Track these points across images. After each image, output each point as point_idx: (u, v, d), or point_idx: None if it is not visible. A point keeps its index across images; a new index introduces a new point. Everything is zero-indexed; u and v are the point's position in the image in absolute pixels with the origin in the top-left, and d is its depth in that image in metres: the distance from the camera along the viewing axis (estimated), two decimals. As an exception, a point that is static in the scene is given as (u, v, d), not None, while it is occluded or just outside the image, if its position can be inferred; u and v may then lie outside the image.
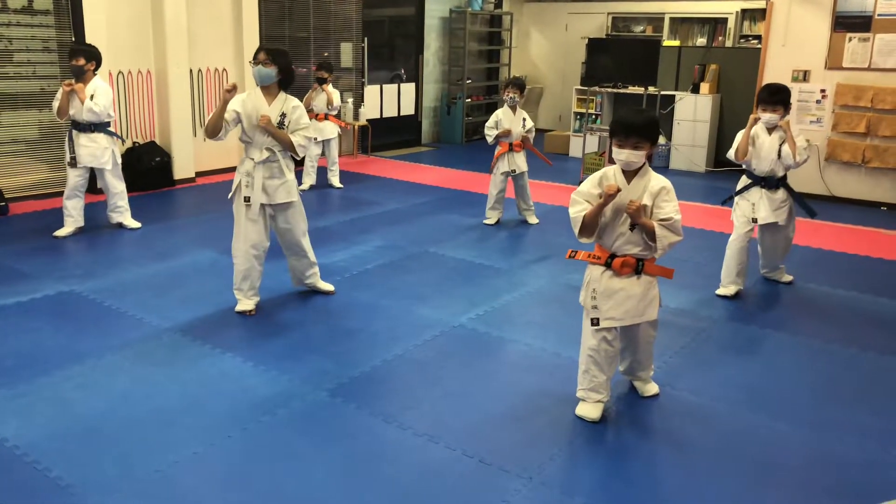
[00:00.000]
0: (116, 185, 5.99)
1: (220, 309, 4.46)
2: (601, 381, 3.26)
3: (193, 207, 7.15)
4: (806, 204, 4.92)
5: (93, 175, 6.14)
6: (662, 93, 9.15)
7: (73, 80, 5.63)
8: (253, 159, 4.25)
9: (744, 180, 4.89)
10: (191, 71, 7.94)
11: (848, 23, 7.53)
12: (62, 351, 3.86)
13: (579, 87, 10.40)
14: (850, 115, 7.62)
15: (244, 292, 4.39)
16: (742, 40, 10.61)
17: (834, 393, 3.65)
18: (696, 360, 3.96)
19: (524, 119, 6.39)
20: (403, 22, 10.99)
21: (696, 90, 9.50)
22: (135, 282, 4.91)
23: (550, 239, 6.13)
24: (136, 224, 6.13)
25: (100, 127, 5.78)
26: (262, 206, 4.31)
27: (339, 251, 5.64)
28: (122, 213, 6.08)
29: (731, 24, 10.74)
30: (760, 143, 4.71)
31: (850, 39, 7.55)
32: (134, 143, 7.56)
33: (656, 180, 3.15)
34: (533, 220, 6.68)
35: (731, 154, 4.81)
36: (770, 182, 4.76)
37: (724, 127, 9.56)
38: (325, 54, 9.41)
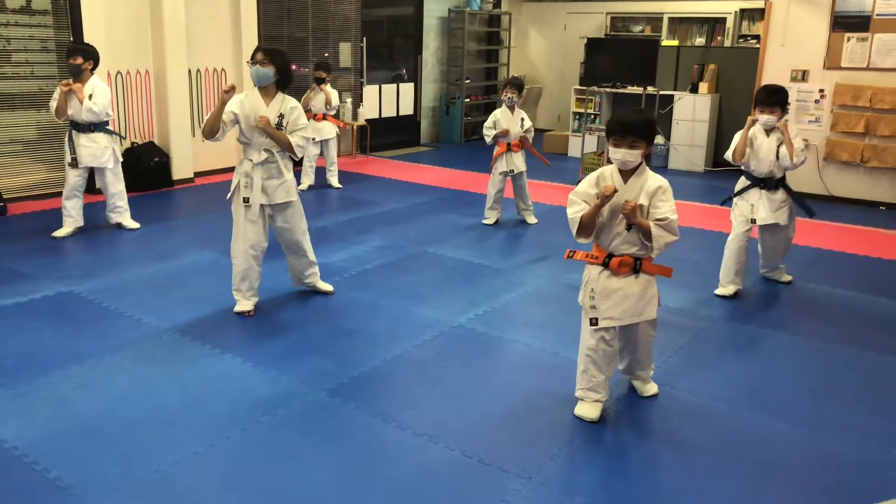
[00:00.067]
0: (116, 185, 5.99)
1: (219, 309, 4.45)
2: (600, 380, 3.26)
3: (192, 208, 7.15)
4: (805, 204, 4.92)
5: (91, 175, 6.15)
6: (661, 93, 9.15)
7: (70, 80, 5.63)
8: (251, 160, 4.25)
9: (742, 181, 4.90)
10: (189, 71, 7.94)
11: (846, 22, 7.54)
12: (61, 351, 3.85)
13: (578, 87, 10.40)
14: (849, 114, 7.63)
15: (243, 293, 4.39)
16: (741, 40, 10.62)
17: (833, 393, 3.66)
18: (696, 360, 3.96)
19: (522, 119, 6.39)
20: (402, 22, 10.99)
21: (694, 90, 9.51)
22: (134, 282, 4.91)
23: (549, 239, 6.13)
24: (135, 224, 6.13)
25: (99, 126, 5.78)
26: (262, 206, 4.31)
27: (338, 251, 5.64)
28: (121, 213, 6.08)
29: (729, 23, 10.75)
30: (759, 144, 4.71)
31: (848, 39, 7.56)
32: (132, 143, 7.55)
33: (653, 180, 3.15)
34: (532, 219, 6.68)
35: (728, 155, 4.81)
36: (769, 183, 4.77)
37: (723, 127, 9.56)
38: (326, 55, 9.41)
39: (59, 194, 6.06)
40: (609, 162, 3.19)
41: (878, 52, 7.44)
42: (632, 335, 3.37)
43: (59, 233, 5.84)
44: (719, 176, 9.08)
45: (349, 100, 9.67)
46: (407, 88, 10.92)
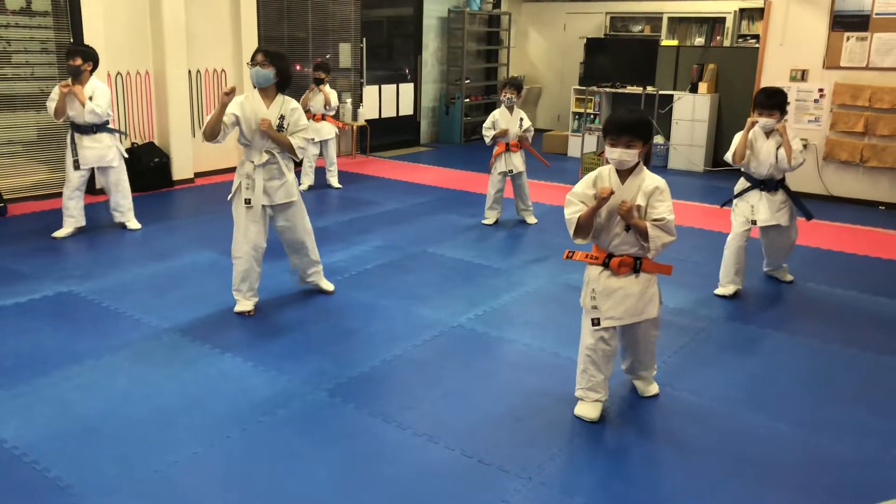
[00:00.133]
0: (121, 183, 6.00)
1: (219, 309, 4.46)
2: (599, 380, 3.27)
3: (192, 208, 7.15)
4: (803, 206, 4.92)
5: (91, 175, 6.15)
6: (661, 92, 9.16)
7: (69, 81, 5.63)
8: (252, 162, 4.26)
9: (742, 183, 4.90)
10: (189, 72, 7.94)
11: (846, 22, 7.54)
12: (61, 351, 3.86)
13: (578, 87, 10.40)
14: (848, 114, 7.63)
15: (243, 293, 4.39)
16: (740, 40, 10.62)
17: (833, 393, 3.66)
18: (696, 360, 3.96)
19: (521, 119, 6.39)
20: (402, 22, 10.99)
21: (694, 90, 9.51)
22: (134, 282, 4.91)
23: (549, 239, 6.13)
24: (137, 225, 6.14)
25: (101, 127, 5.79)
26: (263, 206, 4.31)
27: (338, 251, 5.64)
28: (123, 212, 6.09)
29: (729, 23, 10.75)
30: (759, 147, 4.71)
31: (847, 39, 7.56)
32: (133, 143, 7.55)
33: (651, 180, 3.15)
34: (531, 220, 6.69)
35: (728, 157, 4.81)
36: (769, 184, 4.77)
37: (723, 126, 9.56)
38: (327, 56, 9.41)
39: (59, 195, 6.06)
40: (608, 162, 3.19)
41: (878, 52, 7.44)
42: (634, 335, 3.37)
43: (59, 233, 5.85)
44: (719, 176, 9.08)
45: (349, 100, 9.67)
46: (407, 89, 10.92)
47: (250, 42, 8.31)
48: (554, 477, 2.88)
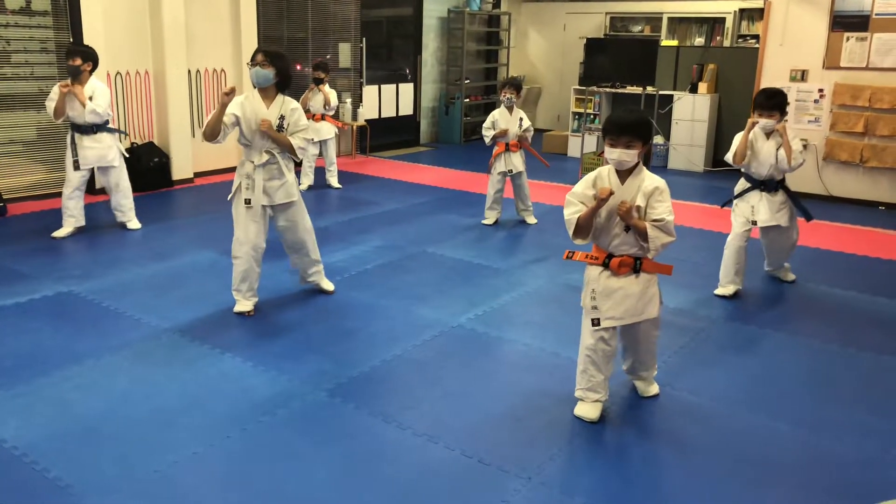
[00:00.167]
0: (122, 183, 6.01)
1: (219, 309, 4.46)
2: (599, 380, 3.27)
3: (192, 208, 7.15)
4: (803, 207, 4.92)
5: (91, 175, 6.15)
6: (660, 93, 9.16)
7: (69, 81, 5.63)
8: (253, 162, 4.26)
9: (742, 184, 4.90)
10: (189, 71, 7.94)
11: (846, 22, 7.54)
12: (61, 351, 3.85)
13: (577, 87, 10.40)
14: (848, 114, 7.63)
15: (243, 293, 4.39)
16: (740, 40, 10.62)
17: (833, 393, 3.66)
18: (696, 360, 3.96)
19: (521, 119, 6.39)
20: (402, 22, 10.99)
21: (694, 90, 9.51)
22: (134, 282, 4.91)
23: (549, 239, 6.13)
24: (137, 225, 6.14)
25: (101, 127, 5.79)
26: (263, 206, 4.32)
27: (337, 251, 5.64)
28: (125, 212, 6.10)
29: (728, 23, 10.75)
30: (759, 147, 4.72)
31: (847, 39, 7.56)
32: (132, 143, 7.55)
33: (650, 180, 3.14)
34: (531, 220, 6.69)
35: (729, 157, 4.81)
36: (769, 185, 4.77)
37: (723, 126, 9.56)
38: (328, 56, 9.41)
39: (59, 194, 6.04)
40: (607, 162, 3.19)
41: (878, 52, 7.44)
42: (635, 335, 3.37)
43: (59, 233, 5.84)
44: (719, 176, 9.08)
45: (349, 100, 9.67)
46: (406, 89, 10.92)
47: (250, 42, 8.31)
48: (554, 477, 2.88)
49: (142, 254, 5.54)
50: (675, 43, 10.40)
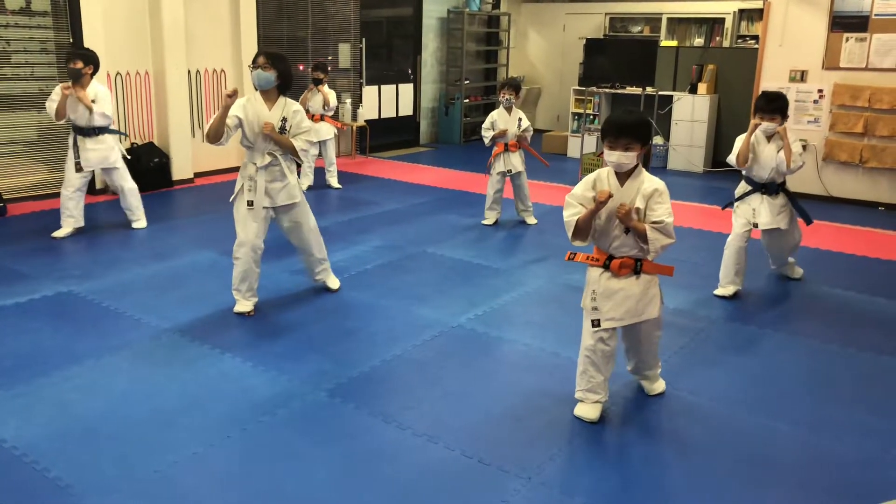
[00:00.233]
0: (126, 183, 6.04)
1: (219, 309, 4.46)
2: (599, 381, 3.27)
3: (192, 208, 7.15)
4: (803, 210, 4.92)
5: (92, 177, 6.15)
6: (660, 93, 9.16)
7: (70, 84, 5.64)
8: (255, 164, 4.27)
9: (743, 186, 4.91)
10: (189, 72, 7.94)
11: (845, 23, 7.54)
12: (61, 352, 3.85)
13: (577, 88, 10.40)
14: (848, 114, 7.64)
15: (242, 293, 4.40)
16: (739, 40, 10.63)
17: (832, 393, 3.66)
18: (696, 360, 3.97)
19: (520, 119, 6.39)
20: (401, 22, 10.99)
21: (693, 90, 9.51)
22: (134, 282, 4.91)
23: (548, 239, 6.13)
24: (142, 224, 6.19)
25: (103, 129, 5.82)
26: (264, 208, 4.33)
27: (337, 251, 5.64)
28: (133, 211, 6.15)
29: (728, 24, 10.75)
30: (760, 151, 4.72)
31: (847, 39, 7.56)
32: (132, 143, 7.55)
33: (650, 182, 3.14)
34: (531, 220, 6.69)
35: (731, 159, 4.81)
36: (770, 188, 4.78)
37: (722, 127, 9.57)
38: (329, 58, 9.41)
39: (60, 195, 6.03)
40: (607, 164, 3.19)
41: (877, 52, 7.44)
42: (637, 336, 3.37)
43: (58, 233, 5.84)
44: (718, 176, 9.09)
45: (348, 100, 9.67)
46: (406, 89, 10.93)
47: (250, 42, 8.32)
48: (554, 477, 2.88)
49: (142, 254, 5.54)
50: (674, 43, 10.41)
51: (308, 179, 7.81)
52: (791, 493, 2.84)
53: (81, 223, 5.94)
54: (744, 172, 4.88)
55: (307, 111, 7.50)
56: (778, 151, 4.66)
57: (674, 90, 9.76)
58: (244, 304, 4.40)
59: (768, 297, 5.02)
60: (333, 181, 7.99)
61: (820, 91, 7.76)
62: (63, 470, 2.83)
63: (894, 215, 7.39)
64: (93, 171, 5.93)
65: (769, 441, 3.18)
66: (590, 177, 3.22)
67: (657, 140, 9.59)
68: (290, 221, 4.47)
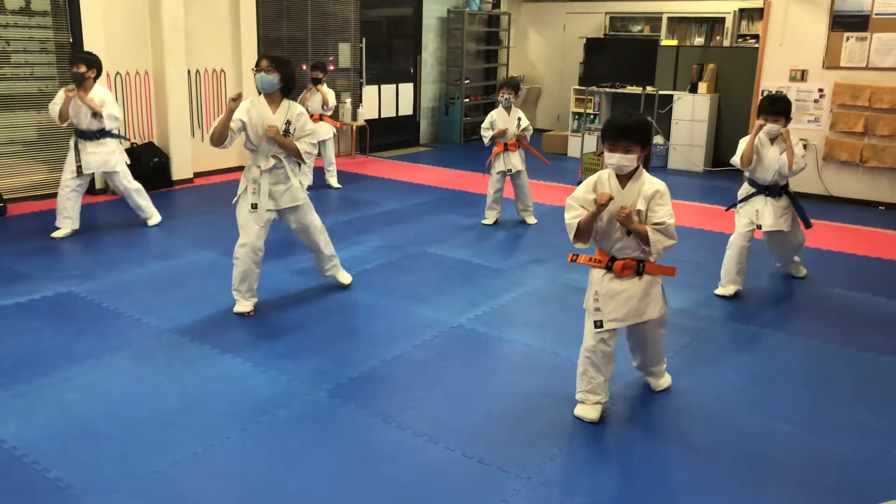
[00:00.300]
0: (130, 185, 6.06)
1: (219, 310, 4.45)
2: (599, 381, 3.27)
3: (192, 208, 7.15)
4: (804, 214, 4.92)
5: (92, 178, 6.16)
6: (660, 92, 9.15)
7: (73, 87, 5.64)
8: (259, 167, 4.28)
9: (746, 188, 4.91)
10: (189, 72, 7.94)
11: (845, 22, 7.54)
12: (61, 352, 3.85)
13: (577, 87, 10.39)
14: (848, 114, 7.63)
15: (242, 293, 4.40)
16: (740, 40, 10.62)
17: (833, 393, 3.66)
18: (696, 360, 3.96)
19: (519, 119, 6.39)
20: (401, 22, 10.98)
21: (693, 90, 9.51)
22: (133, 282, 4.91)
23: (549, 239, 6.13)
24: (156, 221, 6.25)
25: (105, 132, 5.82)
26: (269, 210, 4.34)
27: (338, 251, 5.57)
28: (144, 210, 6.18)
29: (728, 23, 10.75)
30: (763, 153, 4.73)
31: (847, 39, 7.56)
32: (132, 143, 7.55)
33: (651, 184, 3.14)
34: (531, 220, 6.69)
35: (735, 161, 4.81)
36: (774, 190, 4.78)
37: (723, 126, 9.56)
38: (331, 58, 9.41)
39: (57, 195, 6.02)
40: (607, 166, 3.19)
41: (877, 52, 7.44)
42: (642, 334, 3.38)
43: (57, 234, 5.84)
44: (719, 176, 9.08)
45: (348, 100, 9.67)
46: (406, 89, 10.92)
47: (250, 42, 8.32)
48: (554, 477, 2.88)
49: (142, 254, 5.54)
50: (674, 43, 10.40)
51: (307, 179, 7.79)
52: (791, 493, 2.83)
53: (77, 226, 5.93)
54: (747, 174, 4.88)
55: (306, 110, 7.50)
56: (781, 153, 4.67)
57: (674, 89, 9.76)
58: (244, 305, 4.40)
59: (769, 296, 5.02)
60: (333, 181, 7.99)
61: (820, 90, 7.76)
62: (63, 470, 2.83)
63: (894, 215, 7.38)
64: (92, 173, 5.93)
65: (769, 441, 3.18)
66: (590, 179, 3.22)
67: (657, 139, 9.59)
68: (296, 222, 4.50)
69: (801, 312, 4.80)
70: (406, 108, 10.96)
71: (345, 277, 4.88)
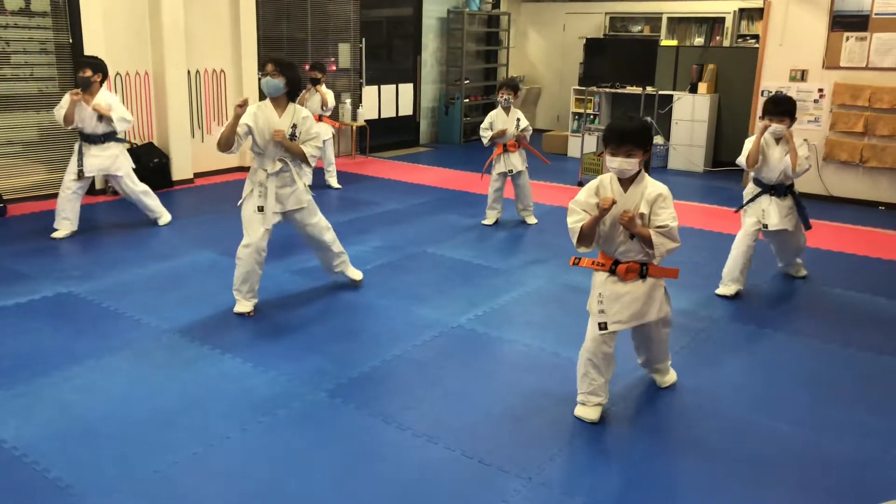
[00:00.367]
0: (137, 186, 6.07)
1: (219, 310, 4.45)
2: (600, 383, 3.27)
3: (192, 208, 7.14)
4: (805, 215, 4.93)
5: (92, 179, 6.16)
6: (660, 93, 9.15)
7: (79, 90, 5.65)
8: (266, 170, 4.29)
9: (752, 189, 4.92)
10: (189, 72, 7.94)
11: (845, 22, 7.54)
12: (61, 352, 3.85)
13: (577, 87, 10.40)
14: (848, 114, 7.63)
15: (243, 294, 4.40)
16: (740, 40, 10.62)
17: (833, 393, 3.66)
18: (696, 360, 3.96)
19: (518, 119, 6.39)
20: (401, 22, 10.99)
21: (693, 90, 9.51)
22: (133, 283, 4.91)
23: (549, 239, 6.13)
24: (166, 220, 6.27)
25: (110, 136, 5.83)
26: (275, 213, 4.35)
27: (337, 252, 5.64)
28: (153, 210, 6.19)
29: (728, 23, 10.75)
30: (769, 154, 4.74)
31: (847, 39, 7.56)
32: (132, 144, 7.55)
33: (653, 187, 3.15)
34: (531, 220, 6.69)
35: (741, 161, 4.82)
36: (779, 190, 4.79)
37: (723, 126, 9.56)
38: (331, 59, 9.41)
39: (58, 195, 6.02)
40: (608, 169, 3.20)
41: (877, 52, 7.44)
42: (647, 334, 3.39)
43: (57, 234, 5.84)
44: (719, 176, 9.08)
45: (348, 100, 9.67)
46: (406, 89, 10.93)
47: (249, 43, 8.32)
48: (554, 477, 2.88)
49: (142, 254, 5.54)
50: (674, 43, 10.40)
51: (307, 179, 7.79)
52: (791, 493, 2.83)
53: (75, 227, 5.93)
54: (752, 174, 4.89)
55: (306, 111, 7.51)
56: (786, 154, 4.68)
57: (674, 90, 9.76)
58: (244, 305, 4.40)
59: (769, 296, 5.02)
60: (333, 181, 7.99)
61: (820, 90, 7.76)
62: (63, 470, 2.83)
63: (894, 215, 7.38)
64: (93, 176, 5.93)
65: (769, 441, 3.18)
66: (592, 183, 3.23)
67: (657, 140, 9.58)
68: (302, 224, 4.51)
69: (801, 312, 4.80)
70: (406, 109, 10.97)
71: (355, 273, 4.89)
